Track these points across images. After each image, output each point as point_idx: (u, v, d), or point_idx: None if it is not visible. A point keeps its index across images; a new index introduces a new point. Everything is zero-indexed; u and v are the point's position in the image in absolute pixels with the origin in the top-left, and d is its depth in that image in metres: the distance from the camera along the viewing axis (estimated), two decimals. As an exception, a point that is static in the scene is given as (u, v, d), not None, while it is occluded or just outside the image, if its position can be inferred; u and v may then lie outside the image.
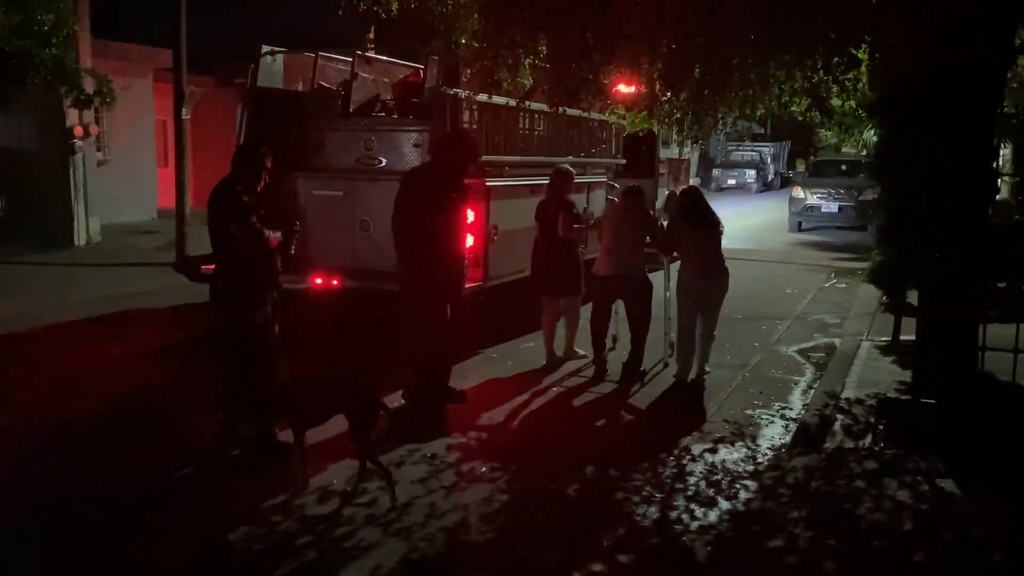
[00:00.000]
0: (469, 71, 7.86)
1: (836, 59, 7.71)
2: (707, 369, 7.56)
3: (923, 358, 6.26)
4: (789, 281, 13.16)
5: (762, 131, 43.62)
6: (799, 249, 17.79)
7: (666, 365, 7.86)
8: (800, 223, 21.04)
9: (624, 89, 8.15)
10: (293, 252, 5.84)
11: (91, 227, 14.82)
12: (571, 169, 8.10)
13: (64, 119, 13.85)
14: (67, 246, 14.28)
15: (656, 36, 6.72)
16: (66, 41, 10.92)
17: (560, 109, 7.56)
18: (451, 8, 6.83)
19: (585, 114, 9.81)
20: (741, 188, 36.66)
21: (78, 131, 14.05)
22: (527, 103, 8.26)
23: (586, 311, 7.91)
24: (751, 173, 37.94)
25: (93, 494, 4.98)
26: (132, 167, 17.30)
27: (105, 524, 4.65)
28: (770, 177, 39.76)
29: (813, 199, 20.77)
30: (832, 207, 20.53)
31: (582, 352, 8.08)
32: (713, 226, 7.44)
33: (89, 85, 12.28)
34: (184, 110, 12.68)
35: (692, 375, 7.48)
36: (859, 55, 7.58)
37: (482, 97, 8.24)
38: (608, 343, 7.80)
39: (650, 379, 7.62)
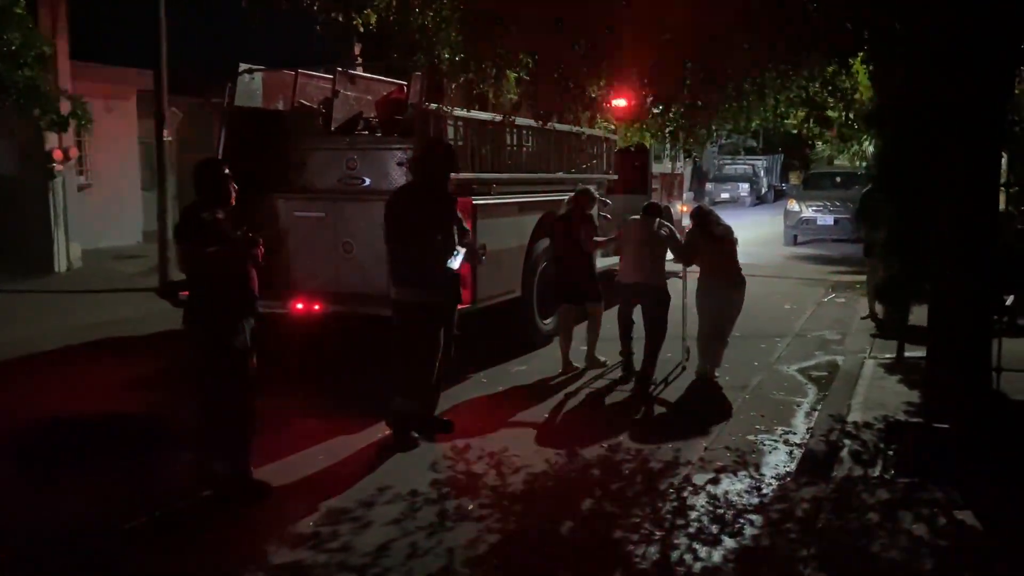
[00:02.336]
0: (453, 86, 7.57)
1: (832, 68, 7.49)
2: (716, 374, 7.92)
3: (935, 380, 5.93)
4: (787, 296, 12.85)
5: (755, 144, 43.54)
6: (796, 263, 17.52)
7: (683, 369, 8.29)
8: (796, 236, 20.78)
9: (615, 103, 7.89)
10: (263, 264, 5.40)
11: (71, 253, 14.47)
12: (592, 190, 8.59)
13: (43, 142, 13.53)
14: (47, 273, 13.94)
15: (645, 48, 6.46)
16: (39, 62, 10.61)
17: (549, 124, 7.30)
18: (432, 21, 6.53)
19: (575, 129, 9.55)
20: (735, 202, 36.45)
21: (57, 155, 13.73)
22: (514, 118, 7.96)
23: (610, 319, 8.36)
24: (744, 187, 37.78)
25: (56, 535, 4.66)
26: (115, 191, 16.97)
27: (67, 569, 4.34)
28: (763, 190, 39.61)
29: (809, 212, 20.52)
30: (828, 220, 20.28)
31: (603, 359, 8.37)
32: (728, 237, 7.93)
33: (65, 108, 11.96)
34: (165, 132, 12.39)
35: (709, 375, 7.89)
36: (856, 65, 7.36)
37: (467, 113, 7.97)
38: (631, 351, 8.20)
39: (666, 384, 7.91)
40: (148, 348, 9.42)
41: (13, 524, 4.85)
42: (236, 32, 19.50)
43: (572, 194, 8.40)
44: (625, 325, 8.14)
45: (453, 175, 7.82)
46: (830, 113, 7.98)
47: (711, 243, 7.87)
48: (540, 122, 7.32)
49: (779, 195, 40.80)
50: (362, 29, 6.92)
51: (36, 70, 10.46)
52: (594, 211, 10.09)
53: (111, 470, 5.68)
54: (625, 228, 8.37)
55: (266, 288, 7.68)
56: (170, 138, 12.58)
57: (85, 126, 12.09)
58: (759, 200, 37.92)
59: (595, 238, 8.34)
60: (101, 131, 14.94)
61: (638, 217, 8.21)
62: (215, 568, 4.36)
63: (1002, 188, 7.41)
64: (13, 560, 4.42)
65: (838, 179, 21.69)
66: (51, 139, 13.53)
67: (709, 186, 37.21)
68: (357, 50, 17.81)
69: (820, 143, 13.31)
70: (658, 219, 8.11)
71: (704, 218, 8.04)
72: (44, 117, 11.27)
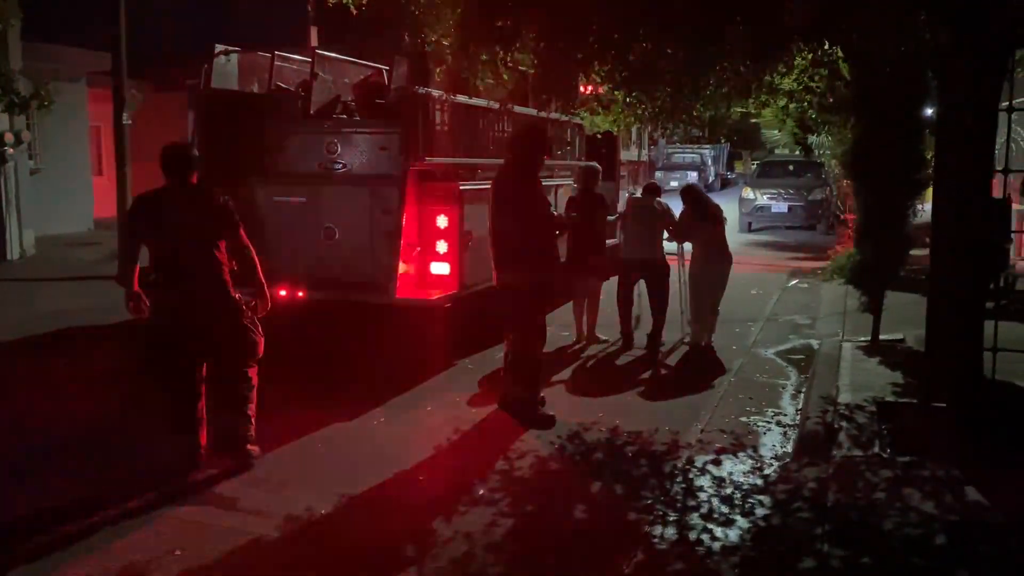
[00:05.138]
0: (440, 70, 7.49)
1: (811, 56, 7.60)
2: (713, 341, 8.58)
3: (933, 360, 6.08)
4: (751, 282, 13.02)
5: (700, 134, 43.98)
6: (754, 249, 17.77)
7: (680, 340, 8.93)
8: (750, 223, 21.10)
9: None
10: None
11: (25, 239, 14.01)
12: (597, 165, 9.17)
13: (-7, 125, 13.05)
14: (-1, 260, 13.51)
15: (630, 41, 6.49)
16: (-1, 40, 10.21)
17: (544, 111, 7.34)
18: (426, 1, 6.44)
19: (559, 116, 9.57)
20: (684, 190, 36.74)
21: (8, 138, 13.24)
22: (511, 105, 7.94)
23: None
24: (692, 175, 38.02)
25: (33, 528, 4.54)
26: (67, 176, 16.46)
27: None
28: (711, 179, 40.04)
29: (763, 199, 20.86)
30: (782, 207, 20.64)
31: (604, 337, 8.88)
32: (715, 218, 8.51)
33: (22, 89, 11.52)
34: (125, 115, 12.03)
35: (703, 342, 8.52)
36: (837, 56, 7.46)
37: (454, 97, 7.91)
38: (634, 323, 8.94)
39: (663, 357, 8.46)
40: (113, 337, 9.15)
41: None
42: (191, 13, 19.10)
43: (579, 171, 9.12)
44: (626, 304, 8.75)
45: (440, 159, 7.83)
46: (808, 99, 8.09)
47: (702, 222, 8.46)
48: (542, 106, 7.35)
49: (725, 184, 41.37)
50: (354, 10, 6.79)
51: (-5, 49, 10.06)
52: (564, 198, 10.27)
53: (90, 460, 5.52)
54: (629, 207, 9.04)
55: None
56: (129, 121, 12.20)
57: (47, 107, 11.66)
58: (706, 188, 38.30)
59: (608, 217, 9.04)
60: (51, 114, 14.45)
61: (640, 196, 8.99)
62: (223, 554, 4.27)
63: None
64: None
65: (791, 167, 22.10)
66: (2, 122, 13.04)
67: (658, 174, 37.54)
68: (314, 33, 17.62)
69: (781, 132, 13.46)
70: (657, 198, 8.70)
71: (696, 199, 8.67)
72: (2, 99, 10.84)
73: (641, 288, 8.83)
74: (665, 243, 8.81)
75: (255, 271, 5.44)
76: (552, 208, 6.62)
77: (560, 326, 9.10)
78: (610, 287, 9.17)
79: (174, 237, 5.21)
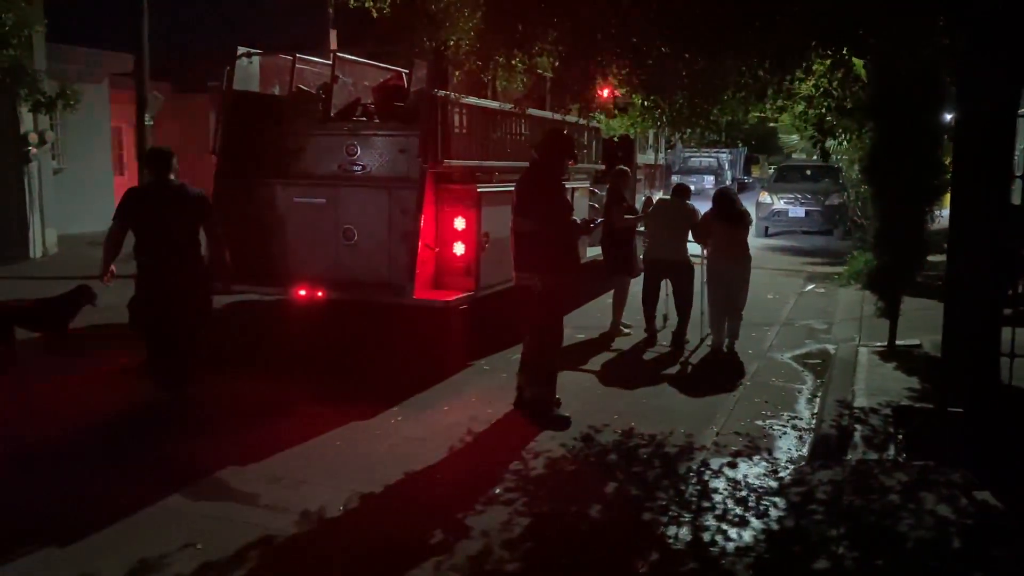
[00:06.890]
0: (459, 73, 7.57)
1: (829, 62, 7.61)
2: (736, 347, 8.61)
3: (950, 365, 6.09)
4: (768, 286, 13.01)
5: (717, 138, 43.86)
6: (770, 254, 17.72)
7: (702, 341, 9.05)
8: (767, 228, 21.04)
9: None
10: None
11: (47, 238, 14.19)
12: (627, 169, 9.61)
13: (19, 125, 13.21)
14: (22, 258, 13.63)
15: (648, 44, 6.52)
16: (24, 43, 10.33)
17: (557, 114, 7.38)
18: (445, 4, 6.51)
19: (576, 119, 9.62)
20: (699, 194, 36.63)
21: (33, 138, 13.42)
22: (527, 108, 8.01)
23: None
24: (709, 179, 37.98)
25: (52, 521, 4.61)
26: (89, 175, 16.65)
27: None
28: (727, 183, 39.94)
29: (780, 204, 20.80)
30: (799, 212, 20.58)
31: (626, 330, 9.22)
32: (740, 220, 8.62)
33: (47, 89, 11.69)
34: (147, 116, 12.17)
35: (725, 346, 8.56)
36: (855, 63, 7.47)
37: (473, 100, 7.98)
38: (660, 322, 9.24)
39: (686, 357, 8.59)
40: (132, 335, 9.19)
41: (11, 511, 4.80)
42: (199, 18, 19.26)
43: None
44: (650, 301, 9.02)
45: (459, 161, 7.89)
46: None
47: (724, 224, 8.53)
48: (560, 111, 7.40)
49: (742, 187, 41.28)
50: (375, 13, 6.87)
51: (20, 51, 10.19)
52: (581, 201, 10.36)
53: (109, 455, 5.60)
54: (656, 208, 9.27)
55: (268, 274, 7.71)
56: (151, 122, 12.34)
57: (72, 107, 11.83)
58: (723, 192, 38.23)
59: (626, 216, 9.25)
60: (74, 114, 14.64)
61: (668, 198, 9.23)
62: (242, 549, 4.34)
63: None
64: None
65: (808, 172, 22.05)
66: (26, 122, 13.22)
67: (674, 178, 37.47)
68: (334, 36, 17.74)
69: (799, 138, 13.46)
70: (685, 200, 8.97)
71: (722, 201, 8.73)
72: (29, 99, 11.00)
73: (667, 287, 8.98)
74: (690, 244, 8.92)
75: (222, 252, 6.46)
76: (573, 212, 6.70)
77: (576, 327, 9.15)
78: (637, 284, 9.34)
79: (156, 224, 6.18)
